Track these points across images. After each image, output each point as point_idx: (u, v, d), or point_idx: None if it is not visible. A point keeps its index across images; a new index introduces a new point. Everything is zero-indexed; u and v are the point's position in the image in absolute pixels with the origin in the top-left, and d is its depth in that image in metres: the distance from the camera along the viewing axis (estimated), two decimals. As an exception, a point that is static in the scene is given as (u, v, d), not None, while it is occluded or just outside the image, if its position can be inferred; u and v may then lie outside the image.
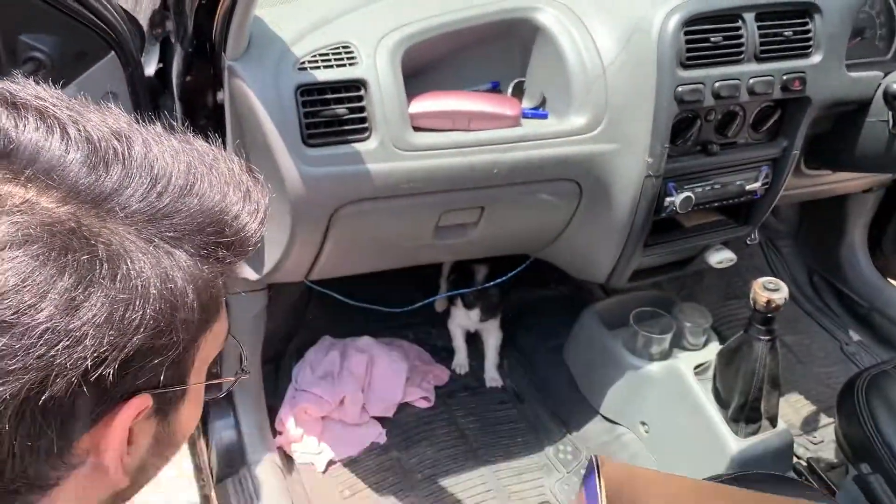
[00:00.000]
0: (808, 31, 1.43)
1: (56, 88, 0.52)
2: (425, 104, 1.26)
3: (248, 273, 1.41)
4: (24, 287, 0.42)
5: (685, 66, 1.35)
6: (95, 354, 0.44)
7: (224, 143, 1.27)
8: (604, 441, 1.74)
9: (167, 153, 0.51)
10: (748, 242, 1.86)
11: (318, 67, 1.18)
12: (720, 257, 1.68)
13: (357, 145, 1.19)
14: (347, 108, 1.18)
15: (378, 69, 1.20)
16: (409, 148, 1.22)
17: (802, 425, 1.89)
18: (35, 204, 0.45)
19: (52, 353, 0.42)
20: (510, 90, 1.40)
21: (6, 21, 0.91)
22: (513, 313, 1.95)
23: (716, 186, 1.50)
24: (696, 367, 1.64)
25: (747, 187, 1.53)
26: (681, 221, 1.59)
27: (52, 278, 0.43)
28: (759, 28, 1.39)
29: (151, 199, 0.49)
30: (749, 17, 1.38)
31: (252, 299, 1.48)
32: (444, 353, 1.93)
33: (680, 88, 1.34)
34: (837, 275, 2.27)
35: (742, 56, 1.39)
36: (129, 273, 0.46)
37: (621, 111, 1.33)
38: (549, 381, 1.89)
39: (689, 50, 1.34)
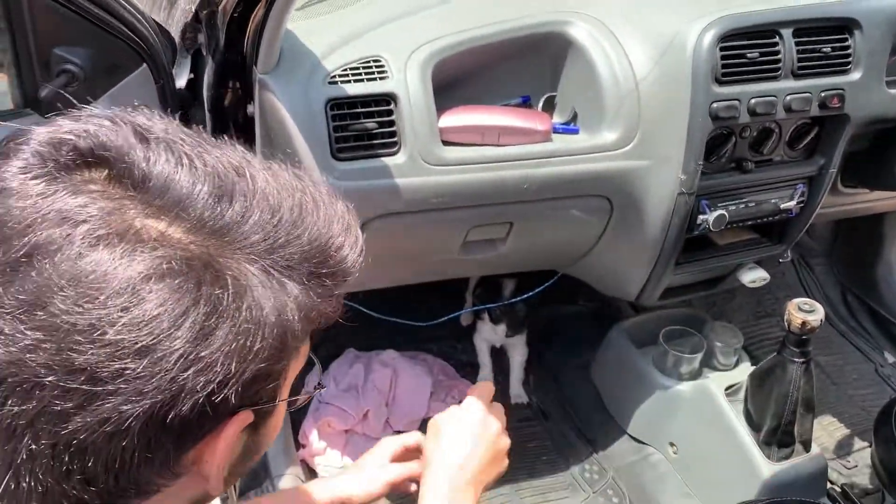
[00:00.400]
0: (847, 48, 1.40)
1: (146, 112, 0.55)
2: (455, 118, 1.25)
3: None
4: (164, 316, 0.46)
5: (720, 83, 1.32)
6: (221, 379, 0.48)
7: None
8: (631, 461, 1.71)
9: (281, 188, 0.55)
10: (780, 261, 1.83)
11: (349, 81, 1.17)
12: (753, 276, 1.65)
13: (386, 159, 1.18)
14: (377, 122, 1.17)
15: (408, 83, 1.19)
16: (439, 162, 1.21)
17: (836, 449, 1.84)
18: (169, 237, 0.49)
19: (184, 376, 0.47)
20: (541, 105, 1.38)
21: (40, 34, 0.91)
22: (540, 329, 1.93)
23: (750, 204, 1.47)
24: (728, 388, 1.60)
25: (782, 206, 1.50)
26: (713, 239, 1.56)
27: (188, 309, 0.47)
28: (797, 44, 1.36)
29: (268, 232, 0.52)
30: (787, 32, 1.35)
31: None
32: (468, 368, 1.91)
33: (715, 105, 1.31)
34: (872, 295, 2.22)
35: (779, 72, 1.36)
36: (252, 305, 0.50)
37: (654, 127, 1.31)
38: (576, 399, 1.86)
39: (724, 66, 1.32)
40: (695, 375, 1.66)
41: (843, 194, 1.67)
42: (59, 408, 0.46)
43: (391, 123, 1.19)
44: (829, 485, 1.67)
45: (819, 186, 1.51)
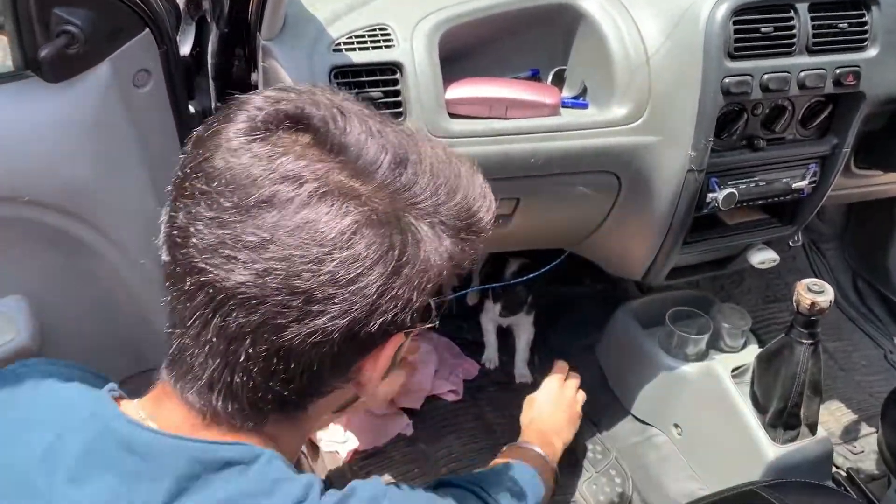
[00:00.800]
0: (864, 24, 1.37)
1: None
2: (462, 90, 1.23)
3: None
4: (369, 256, 0.60)
5: (733, 57, 1.30)
6: (403, 306, 0.63)
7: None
8: (635, 442, 1.70)
9: (438, 159, 0.68)
10: (791, 244, 1.80)
11: (354, 49, 1.15)
12: (762, 257, 1.62)
13: (391, 130, 1.17)
14: (382, 91, 1.16)
15: (414, 52, 1.17)
16: (445, 134, 1.19)
17: (843, 434, 1.83)
18: (367, 195, 0.62)
19: (379, 302, 0.61)
20: (550, 78, 1.36)
21: (41, -7, 0.90)
22: (546, 309, 1.91)
23: (760, 183, 1.45)
24: (734, 370, 1.59)
25: (794, 185, 1.48)
26: (722, 219, 1.54)
27: (385, 252, 0.61)
28: (813, 19, 1.33)
29: (432, 194, 0.66)
30: (802, 7, 1.32)
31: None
32: (473, 347, 1.90)
33: (727, 80, 1.29)
34: (884, 280, 2.19)
35: (793, 48, 1.33)
36: (425, 250, 0.64)
37: (665, 102, 1.29)
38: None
39: (737, 40, 1.29)
40: (701, 357, 1.64)
41: (856, 176, 1.65)
42: (278, 321, 0.59)
43: (396, 93, 1.17)
44: (834, 469, 1.66)
45: (832, 166, 1.49)
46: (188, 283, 0.61)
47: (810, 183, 1.49)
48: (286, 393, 0.64)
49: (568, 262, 1.68)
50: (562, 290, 2.02)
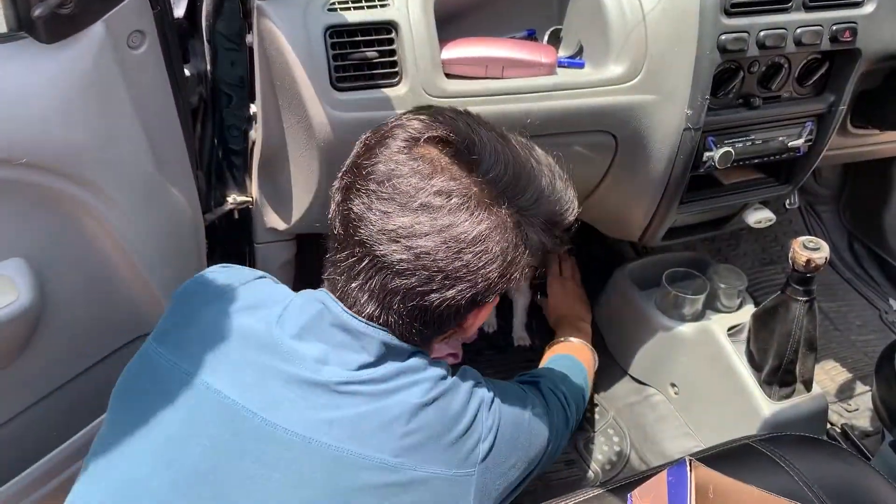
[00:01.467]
0: (862, -21, 1.37)
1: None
2: (458, 50, 1.23)
3: (277, 223, 1.39)
4: (499, 252, 0.87)
5: (729, 14, 1.29)
6: (509, 282, 0.90)
7: (252, 85, 1.26)
8: (632, 402, 1.72)
9: (542, 168, 0.93)
10: (787, 206, 1.81)
11: (349, 9, 1.15)
12: (759, 217, 1.63)
13: (387, 90, 1.17)
14: (377, 51, 1.15)
15: (410, 12, 1.17)
16: (441, 94, 1.19)
17: (838, 392, 1.85)
18: (496, 205, 0.86)
19: (496, 280, 0.87)
20: (546, 38, 1.35)
21: (32, -48, 0.89)
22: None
23: (757, 142, 1.45)
24: (730, 329, 1.60)
25: (790, 144, 1.48)
26: (719, 178, 1.55)
27: (506, 249, 0.87)
28: (811, -25, 1.32)
29: (536, 200, 0.91)
30: (799, -37, 1.32)
31: (281, 248, 1.46)
32: (472, 311, 1.91)
33: (723, 37, 1.29)
34: (879, 242, 2.20)
35: (790, 4, 1.33)
36: (531, 245, 0.90)
37: (661, 61, 1.29)
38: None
39: (734, -3, 1.28)
40: (697, 317, 1.65)
41: (852, 135, 1.65)
42: (423, 288, 0.86)
43: (392, 53, 1.16)
44: (829, 425, 1.68)
45: (828, 124, 1.49)
46: (357, 251, 0.87)
47: (806, 141, 1.49)
48: (424, 331, 0.90)
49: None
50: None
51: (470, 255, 0.85)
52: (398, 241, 0.84)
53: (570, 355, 1.46)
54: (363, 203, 0.86)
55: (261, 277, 0.98)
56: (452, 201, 0.84)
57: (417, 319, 0.88)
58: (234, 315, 0.89)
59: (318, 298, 0.91)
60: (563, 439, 1.17)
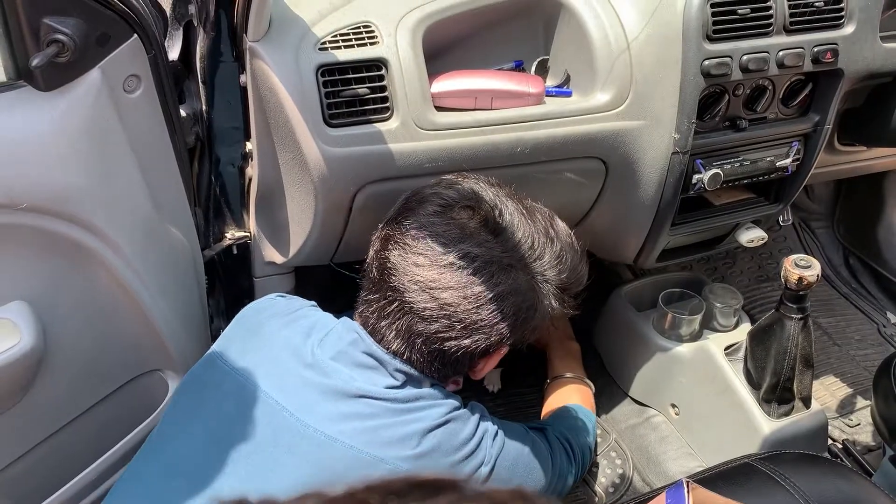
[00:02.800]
0: (839, 1, 1.40)
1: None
2: (447, 83, 1.25)
3: (275, 256, 1.41)
4: (513, 312, 1.01)
5: (712, 40, 1.32)
6: (521, 338, 1.05)
7: (247, 123, 1.28)
8: (633, 423, 1.73)
9: (564, 243, 1.08)
10: (780, 223, 1.83)
11: (339, 47, 1.17)
12: (751, 236, 1.65)
13: (379, 125, 1.19)
14: (368, 87, 1.18)
15: (399, 48, 1.19)
16: (432, 127, 1.22)
17: (838, 408, 1.85)
18: (515, 270, 1.02)
19: (508, 335, 1.02)
20: (533, 69, 1.38)
21: (29, 3, 0.92)
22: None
23: (745, 163, 1.47)
24: (727, 348, 1.61)
25: (778, 163, 1.50)
26: (709, 199, 1.57)
27: (519, 309, 1.02)
28: (790, -1, 1.36)
29: (553, 268, 1.05)
30: (778, -13, 1.35)
31: (280, 281, 1.48)
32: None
33: (706, 62, 1.31)
34: (875, 256, 2.22)
35: (771, 28, 1.36)
36: (542, 309, 1.05)
37: (647, 86, 1.31)
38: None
39: (715, 23, 1.31)
40: (695, 337, 1.66)
41: (840, 152, 1.67)
42: (444, 334, 0.99)
43: (383, 89, 1.19)
44: (830, 441, 1.68)
45: (814, 143, 1.51)
46: (389, 294, 1.00)
47: (794, 160, 1.51)
48: (441, 371, 1.03)
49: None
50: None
51: (487, 312, 0.98)
52: (426, 292, 0.98)
53: (577, 405, 1.50)
54: (401, 256, 1.00)
55: (312, 305, 1.14)
56: (476, 264, 0.98)
57: (437, 360, 1.02)
58: (290, 333, 1.05)
59: (354, 329, 1.05)
60: (568, 480, 1.28)
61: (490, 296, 0.98)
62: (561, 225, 1.10)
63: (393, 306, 1.00)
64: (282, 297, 1.16)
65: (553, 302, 1.06)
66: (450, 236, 0.99)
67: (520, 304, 1.01)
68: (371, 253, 1.07)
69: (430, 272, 0.98)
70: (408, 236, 1.00)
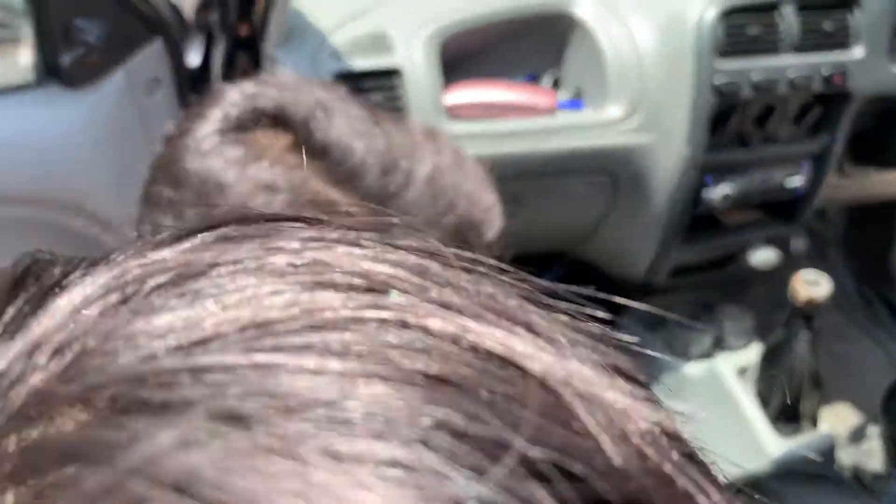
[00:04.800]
0: (846, 23, 1.41)
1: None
2: (461, 94, 1.28)
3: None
4: None
5: (723, 58, 1.34)
6: None
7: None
8: (641, 442, 1.72)
9: (443, 167, 0.59)
10: (794, 252, 1.83)
11: (355, 56, 1.20)
12: (762, 257, 1.65)
13: (392, 133, 1.21)
14: (382, 96, 1.21)
15: (414, 59, 1.22)
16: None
17: (849, 434, 1.83)
18: (345, 208, 0.55)
19: None
20: (546, 82, 1.40)
21: (61, 4, 0.96)
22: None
23: (755, 181, 1.48)
24: (738, 369, 1.61)
25: (787, 183, 1.51)
26: (720, 218, 1.57)
27: None
28: (799, 20, 1.37)
29: (425, 206, 0.57)
30: (788, 9, 1.37)
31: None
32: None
33: (718, 80, 1.33)
34: (888, 286, 2.21)
35: (781, 48, 1.37)
36: None
37: (658, 102, 1.33)
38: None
39: (727, 41, 1.33)
40: (705, 356, 1.66)
41: (850, 176, 1.68)
42: None
43: (396, 98, 1.22)
44: (838, 465, 1.67)
45: (824, 164, 1.52)
46: None
47: (804, 181, 1.52)
48: None
49: (569, 267, 1.71)
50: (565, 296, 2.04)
51: None
52: None
53: None
54: (153, 224, 0.69)
55: None
56: (279, 200, 0.59)
57: None
58: None
59: None
60: None
61: None
62: (433, 151, 0.62)
63: None
64: None
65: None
66: (235, 165, 0.60)
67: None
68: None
69: None
70: (166, 187, 0.66)
